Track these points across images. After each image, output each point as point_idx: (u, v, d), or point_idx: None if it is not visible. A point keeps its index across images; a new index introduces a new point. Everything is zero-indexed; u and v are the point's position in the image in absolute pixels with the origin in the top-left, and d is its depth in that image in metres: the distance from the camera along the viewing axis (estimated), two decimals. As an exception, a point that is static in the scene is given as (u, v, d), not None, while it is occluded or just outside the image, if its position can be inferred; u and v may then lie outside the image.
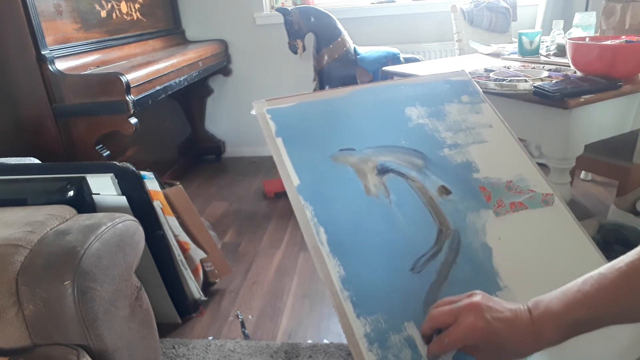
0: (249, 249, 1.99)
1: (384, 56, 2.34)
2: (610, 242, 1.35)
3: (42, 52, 1.70)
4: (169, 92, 2.12)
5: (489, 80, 1.31)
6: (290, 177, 0.77)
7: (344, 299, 0.67)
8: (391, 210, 0.79)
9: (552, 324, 0.55)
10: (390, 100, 0.95)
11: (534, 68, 1.55)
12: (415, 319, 0.68)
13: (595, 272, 0.56)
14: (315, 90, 2.40)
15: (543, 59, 1.73)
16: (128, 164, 1.30)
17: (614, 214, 1.52)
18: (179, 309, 1.51)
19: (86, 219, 1.01)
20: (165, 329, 1.48)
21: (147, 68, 1.96)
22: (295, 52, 2.38)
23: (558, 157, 1.29)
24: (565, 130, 1.24)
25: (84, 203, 1.19)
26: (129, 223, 1.04)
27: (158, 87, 2.01)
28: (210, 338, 1.45)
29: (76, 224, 0.98)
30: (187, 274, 1.51)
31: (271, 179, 2.69)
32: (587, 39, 1.47)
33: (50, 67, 1.72)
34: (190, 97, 3.00)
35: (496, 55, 1.90)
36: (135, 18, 2.42)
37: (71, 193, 1.16)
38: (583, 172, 2.40)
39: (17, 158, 1.42)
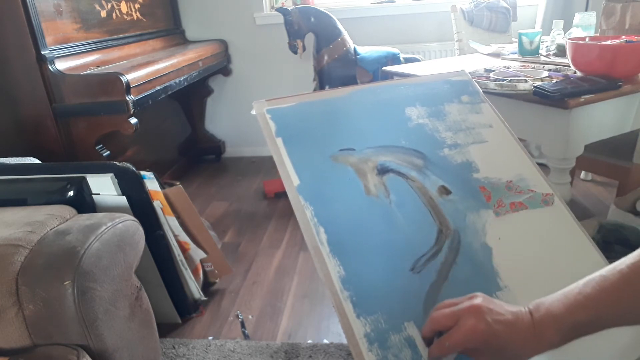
0: (249, 249, 1.99)
1: (384, 56, 2.34)
2: (610, 242, 1.35)
3: (42, 52, 1.70)
4: (169, 92, 2.12)
5: (489, 80, 1.31)
6: (290, 177, 0.77)
7: (344, 299, 0.67)
8: (391, 210, 0.79)
9: (554, 326, 0.55)
10: (390, 100, 0.95)
11: (534, 68, 1.55)
12: (415, 319, 0.68)
13: (596, 274, 0.55)
14: (315, 90, 2.40)
15: (543, 59, 1.73)
16: (128, 164, 1.30)
17: (614, 214, 1.52)
18: (179, 309, 1.51)
19: (86, 219, 1.01)
20: (165, 329, 1.48)
21: (147, 68, 1.96)
22: (295, 52, 2.38)
23: (558, 157, 1.29)
24: (565, 130, 1.24)
25: (84, 203, 1.19)
26: (129, 223, 1.04)
27: (158, 87, 2.01)
28: (210, 338, 1.45)
29: (76, 224, 0.98)
30: (187, 274, 1.51)
31: (271, 179, 2.69)
32: (587, 39, 1.47)
33: (50, 67, 1.72)
34: (190, 97, 3.00)
35: (496, 55, 1.90)
36: (135, 18, 2.42)
37: (71, 193, 1.16)
38: (583, 172, 2.40)
39: (17, 158, 1.42)
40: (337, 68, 2.32)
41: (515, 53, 1.85)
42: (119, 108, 1.76)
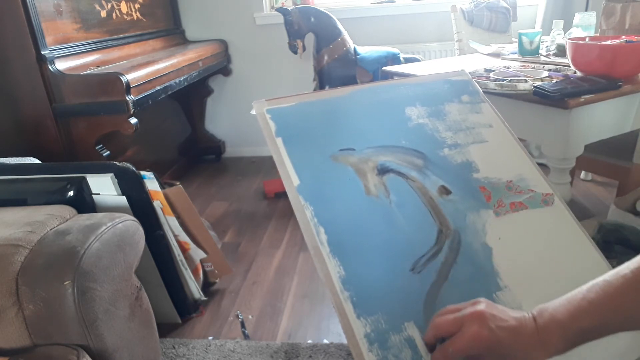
0: (249, 249, 1.99)
1: (384, 56, 2.34)
2: (610, 242, 1.35)
3: (42, 52, 1.70)
4: (169, 92, 2.12)
5: (489, 80, 1.31)
6: (290, 177, 0.77)
7: (344, 299, 0.67)
8: (391, 211, 0.79)
9: (558, 332, 0.54)
10: (390, 100, 0.95)
11: (534, 68, 1.55)
12: (415, 319, 0.68)
13: (600, 279, 0.55)
14: (315, 90, 2.40)
15: (543, 59, 1.73)
16: (128, 164, 1.30)
17: (614, 214, 1.52)
18: (179, 309, 1.51)
19: (86, 219, 1.01)
20: (165, 329, 1.48)
21: (147, 68, 1.96)
22: (295, 52, 2.38)
23: (558, 157, 1.29)
24: (565, 130, 1.24)
25: (84, 203, 1.19)
26: (129, 223, 1.04)
27: (158, 87, 2.01)
28: (210, 338, 1.45)
29: (76, 224, 0.98)
30: (187, 274, 1.51)
31: (271, 179, 2.69)
32: (587, 39, 1.47)
33: (50, 67, 1.72)
34: (190, 97, 3.00)
35: (496, 55, 1.90)
36: (135, 18, 2.42)
37: (71, 193, 1.16)
38: (583, 172, 2.40)
39: (17, 158, 1.42)
40: (337, 68, 2.32)
41: (515, 53, 1.85)
42: (119, 108, 1.76)
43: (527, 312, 0.58)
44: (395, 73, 1.79)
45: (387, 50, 2.36)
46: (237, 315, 1.56)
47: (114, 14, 2.23)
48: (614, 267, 0.57)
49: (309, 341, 1.41)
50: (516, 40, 1.88)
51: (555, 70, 1.48)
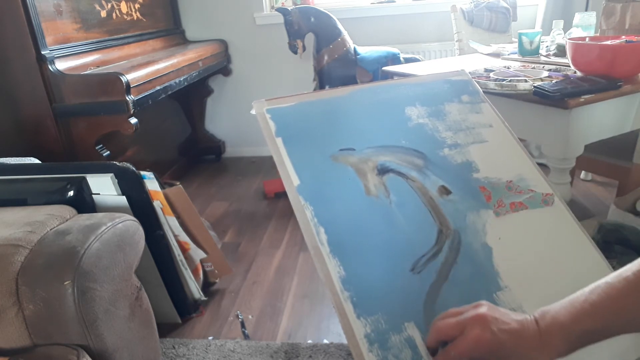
0: (249, 249, 1.99)
1: (384, 56, 2.34)
2: (610, 242, 1.35)
3: (42, 52, 1.70)
4: (169, 92, 2.12)
5: (489, 80, 1.31)
6: (290, 177, 0.77)
7: (344, 300, 0.67)
8: (391, 211, 0.79)
9: (560, 335, 0.54)
10: (390, 100, 0.95)
11: (534, 68, 1.55)
12: (415, 319, 0.68)
13: (602, 282, 0.55)
14: (315, 90, 2.40)
15: (543, 59, 1.73)
16: (128, 164, 1.30)
17: (614, 214, 1.52)
18: (179, 309, 1.51)
19: (86, 219, 1.01)
20: (165, 329, 1.48)
21: (147, 68, 1.96)
22: (295, 52, 2.38)
23: (558, 157, 1.29)
24: (565, 130, 1.24)
25: (84, 203, 1.19)
26: (129, 223, 1.04)
27: (158, 87, 2.01)
28: (210, 338, 1.45)
29: (76, 224, 0.98)
30: (187, 274, 1.51)
31: (271, 179, 2.69)
32: (587, 39, 1.47)
33: (50, 67, 1.72)
34: (190, 97, 3.00)
35: (496, 55, 1.90)
36: (135, 18, 2.42)
37: (71, 193, 1.16)
38: (583, 172, 2.40)
39: (17, 158, 1.42)
40: (337, 68, 2.32)
41: (515, 53, 1.85)
42: (119, 108, 1.76)
43: (529, 315, 0.58)
44: (395, 73, 1.79)
45: (387, 50, 2.36)
46: (237, 315, 1.56)
47: (114, 14, 2.23)
48: (613, 267, 0.57)
49: (309, 341, 1.41)
50: (516, 40, 1.88)
51: (555, 70, 1.48)
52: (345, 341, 1.17)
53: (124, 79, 1.74)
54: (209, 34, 2.95)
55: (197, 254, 1.57)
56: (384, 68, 1.93)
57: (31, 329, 0.87)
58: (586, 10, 2.46)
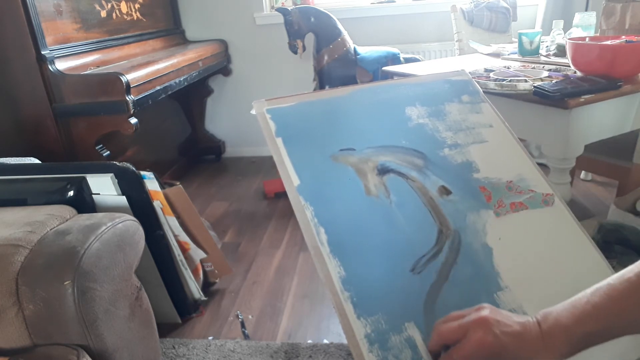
0: (249, 249, 1.99)
1: (384, 56, 2.34)
2: (610, 242, 1.35)
3: (42, 52, 1.70)
4: (169, 92, 2.12)
5: (489, 80, 1.31)
6: (290, 177, 0.77)
7: (345, 300, 0.67)
8: (391, 211, 0.79)
9: (563, 337, 0.54)
10: (391, 100, 0.95)
11: (534, 68, 1.55)
12: (415, 319, 0.68)
13: (604, 283, 0.55)
14: (315, 90, 2.40)
15: (543, 59, 1.73)
16: (128, 164, 1.30)
17: (614, 214, 1.52)
18: (179, 309, 1.51)
19: (86, 219, 1.01)
20: (165, 329, 1.48)
21: (147, 68, 1.96)
22: (295, 52, 2.38)
23: (558, 157, 1.29)
24: (565, 130, 1.24)
25: (84, 203, 1.19)
26: (129, 223, 1.04)
27: (158, 87, 2.01)
28: (210, 338, 1.45)
29: (76, 224, 0.98)
30: (187, 274, 1.51)
31: (271, 179, 2.69)
32: (587, 39, 1.47)
33: (50, 67, 1.72)
34: (190, 97, 3.00)
35: (496, 55, 1.90)
36: (135, 18, 2.42)
37: (71, 193, 1.16)
38: (583, 172, 2.40)
39: (17, 158, 1.42)
40: (337, 68, 2.32)
41: (515, 53, 1.85)
42: (119, 108, 1.76)
43: (531, 317, 0.58)
44: (395, 73, 1.79)
45: (387, 50, 2.36)
46: (237, 315, 1.56)
47: (114, 14, 2.23)
48: (613, 267, 0.57)
49: (309, 341, 1.41)
50: (516, 40, 1.88)
51: (555, 70, 1.48)
52: (345, 341, 1.17)
53: (124, 79, 1.74)
54: (209, 34, 2.95)
55: (197, 254, 1.57)
56: (384, 68, 1.93)
57: (31, 329, 0.87)
58: (586, 10, 2.46)
